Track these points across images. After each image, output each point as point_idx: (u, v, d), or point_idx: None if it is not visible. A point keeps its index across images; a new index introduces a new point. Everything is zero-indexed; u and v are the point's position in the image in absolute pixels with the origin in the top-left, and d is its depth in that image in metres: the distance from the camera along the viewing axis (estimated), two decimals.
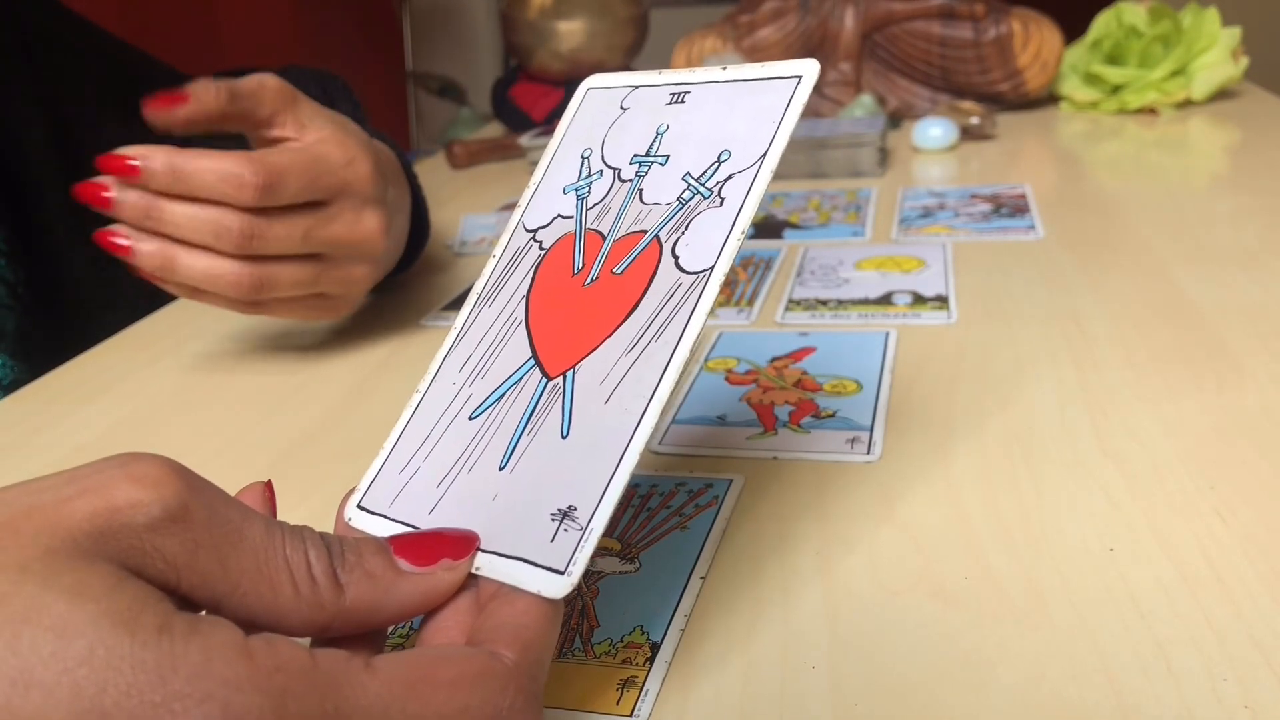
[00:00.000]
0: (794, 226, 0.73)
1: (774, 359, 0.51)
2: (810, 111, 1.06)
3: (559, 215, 0.32)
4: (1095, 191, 0.77)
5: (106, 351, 0.62)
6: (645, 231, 0.30)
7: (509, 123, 1.26)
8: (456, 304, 0.63)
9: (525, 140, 1.05)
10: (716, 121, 0.31)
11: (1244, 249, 0.60)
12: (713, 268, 0.28)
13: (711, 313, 0.27)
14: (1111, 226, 0.67)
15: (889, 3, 1.04)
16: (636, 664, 0.30)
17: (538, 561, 0.25)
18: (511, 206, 0.82)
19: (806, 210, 0.77)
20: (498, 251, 0.33)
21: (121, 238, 0.48)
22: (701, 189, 0.29)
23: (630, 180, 0.31)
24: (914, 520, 0.36)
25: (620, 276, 0.29)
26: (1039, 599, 0.31)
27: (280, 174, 0.48)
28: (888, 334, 0.52)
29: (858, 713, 0.28)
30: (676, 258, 0.29)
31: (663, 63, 0.98)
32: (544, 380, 0.29)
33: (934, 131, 0.92)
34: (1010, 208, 0.73)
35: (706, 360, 0.51)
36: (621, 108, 0.33)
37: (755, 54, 1.08)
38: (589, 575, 0.35)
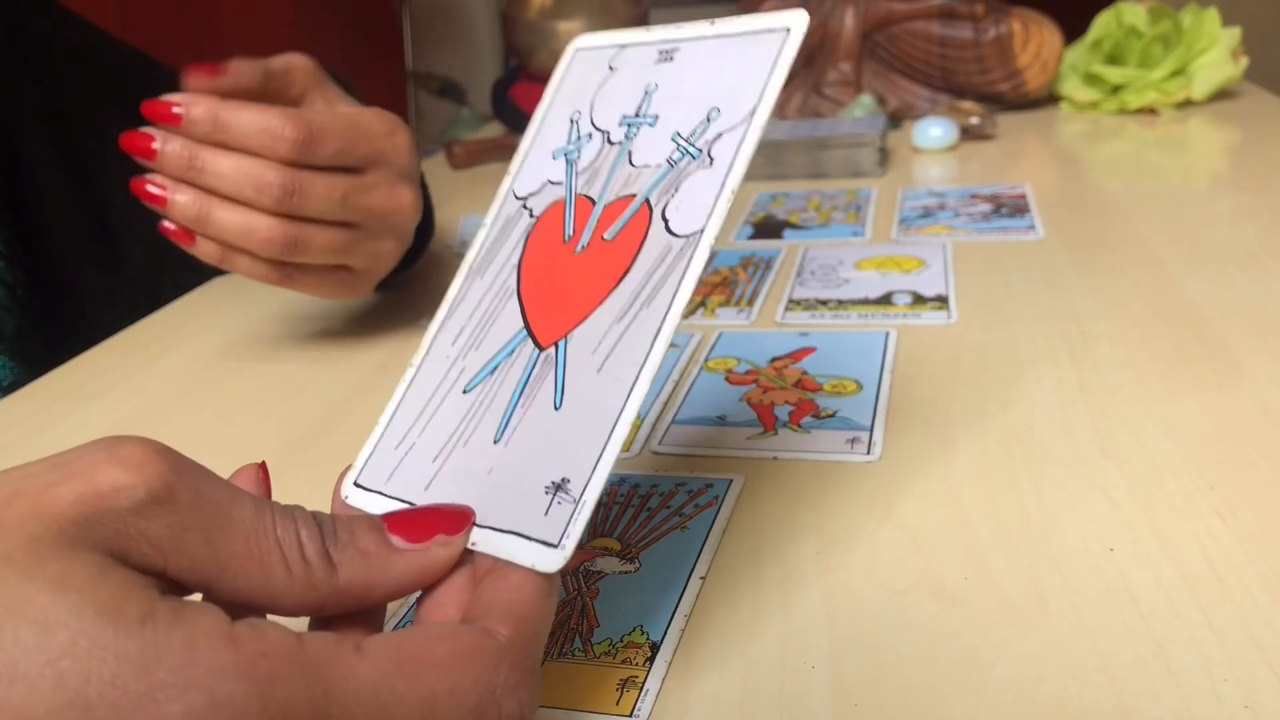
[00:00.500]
0: (794, 226, 0.73)
1: (774, 359, 0.51)
2: (810, 112, 1.06)
3: (548, 181, 0.32)
4: (1095, 191, 0.77)
5: (106, 351, 0.62)
6: (635, 195, 0.29)
7: (509, 123, 1.26)
8: None
9: None
10: (705, 79, 0.30)
11: (1244, 249, 0.60)
12: (702, 230, 0.27)
13: (702, 278, 0.27)
14: (1111, 226, 0.67)
15: (889, 3, 1.04)
16: (636, 664, 0.30)
17: (531, 535, 0.25)
18: None
19: (806, 210, 0.77)
20: (488, 220, 0.33)
21: (157, 186, 0.48)
22: (691, 149, 0.29)
23: (620, 142, 0.31)
24: (914, 520, 0.36)
25: (611, 243, 0.29)
26: (1039, 599, 0.31)
27: (320, 132, 0.48)
28: (888, 334, 0.52)
29: (858, 712, 0.28)
30: (666, 221, 0.28)
31: None
32: (536, 351, 0.28)
33: (934, 131, 0.92)
34: (1010, 208, 0.73)
35: (706, 360, 0.51)
36: (610, 68, 0.32)
37: None
38: (589, 575, 0.35)
